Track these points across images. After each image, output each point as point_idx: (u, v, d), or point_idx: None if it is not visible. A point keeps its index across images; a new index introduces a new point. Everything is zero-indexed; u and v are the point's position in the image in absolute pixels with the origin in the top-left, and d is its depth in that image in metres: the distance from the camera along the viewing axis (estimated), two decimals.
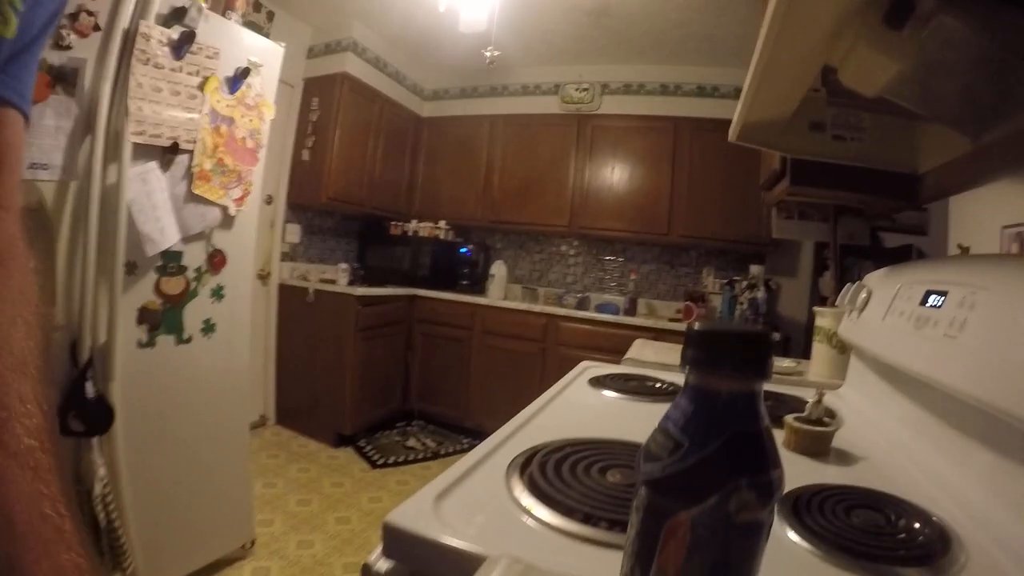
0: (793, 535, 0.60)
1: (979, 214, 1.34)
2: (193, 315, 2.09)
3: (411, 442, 4.07)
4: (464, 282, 4.73)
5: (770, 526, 0.33)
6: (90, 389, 1.71)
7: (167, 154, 1.91)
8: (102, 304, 1.78)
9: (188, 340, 2.07)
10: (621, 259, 4.64)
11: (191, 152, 1.98)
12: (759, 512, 0.32)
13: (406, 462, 3.71)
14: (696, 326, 0.34)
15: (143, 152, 1.85)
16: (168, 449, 2.02)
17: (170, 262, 1.99)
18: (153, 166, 1.88)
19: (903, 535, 0.62)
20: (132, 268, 1.87)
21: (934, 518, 0.65)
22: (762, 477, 0.32)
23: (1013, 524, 0.63)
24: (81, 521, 1.69)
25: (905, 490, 0.74)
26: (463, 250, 4.80)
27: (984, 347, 0.70)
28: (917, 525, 0.63)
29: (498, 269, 4.62)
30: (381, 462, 3.64)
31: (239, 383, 2.33)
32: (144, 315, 1.92)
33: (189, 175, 1.99)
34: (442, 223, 4.77)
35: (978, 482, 0.73)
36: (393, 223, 4.81)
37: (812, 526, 0.61)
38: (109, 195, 1.77)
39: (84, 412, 1.70)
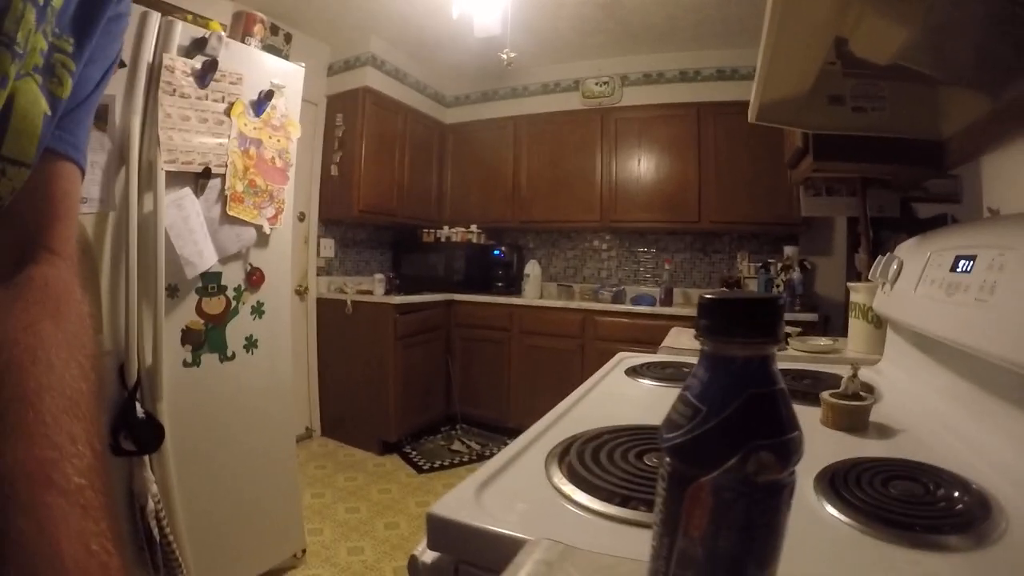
0: (831, 509, 0.60)
1: (1011, 175, 1.31)
2: (235, 333, 2.14)
3: (456, 445, 4.10)
4: (499, 284, 4.74)
5: (792, 489, 0.34)
6: (139, 409, 1.77)
7: (200, 179, 1.97)
8: (147, 327, 1.83)
9: (232, 357, 2.13)
10: (654, 250, 4.62)
11: (223, 176, 2.04)
12: (779, 474, 0.33)
13: (451, 465, 3.73)
14: (707, 296, 0.35)
15: (177, 179, 1.91)
16: (217, 464, 2.07)
17: (210, 283, 2.04)
18: (187, 192, 1.94)
19: (942, 503, 0.61)
20: (173, 291, 1.92)
21: (973, 485, 0.64)
22: (779, 438, 0.32)
23: None
24: (135, 536, 1.75)
25: (944, 459, 0.73)
26: (496, 252, 4.81)
27: (1015, 308, 0.70)
28: (956, 493, 0.62)
29: (532, 269, 4.63)
30: (427, 467, 3.67)
31: (283, 396, 2.38)
32: (188, 335, 1.97)
33: (223, 198, 2.05)
34: (474, 227, 4.80)
35: (1018, 447, 0.71)
36: (425, 231, 4.86)
37: (850, 499, 0.61)
38: (147, 222, 1.83)
39: (135, 432, 1.75)
